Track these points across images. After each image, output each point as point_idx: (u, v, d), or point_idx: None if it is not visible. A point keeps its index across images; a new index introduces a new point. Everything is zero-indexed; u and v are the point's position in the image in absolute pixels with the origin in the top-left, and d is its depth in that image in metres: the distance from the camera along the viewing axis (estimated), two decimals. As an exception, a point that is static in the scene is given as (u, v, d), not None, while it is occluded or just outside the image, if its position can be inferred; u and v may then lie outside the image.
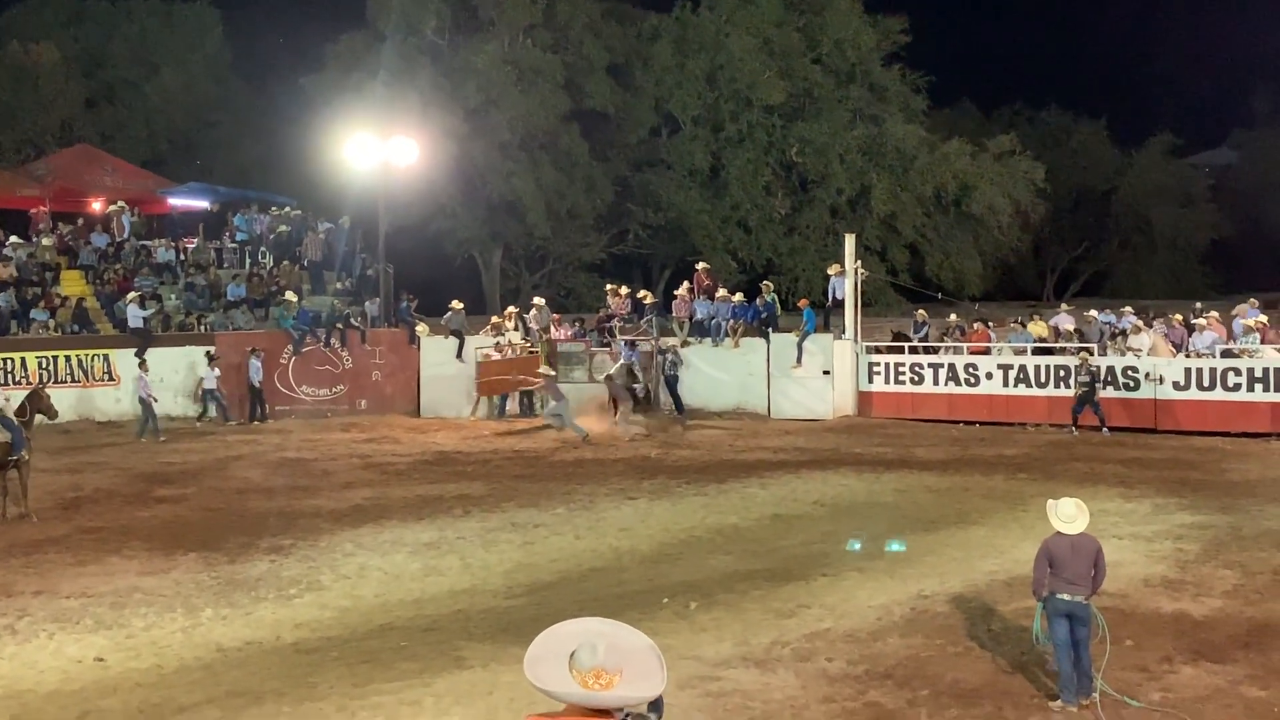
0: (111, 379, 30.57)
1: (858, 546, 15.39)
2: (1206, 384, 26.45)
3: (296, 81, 49.77)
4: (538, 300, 34.01)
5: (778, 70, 49.69)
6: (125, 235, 35.34)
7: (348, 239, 36.23)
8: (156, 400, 28.68)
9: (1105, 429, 26.61)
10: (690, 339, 31.31)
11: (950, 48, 74.78)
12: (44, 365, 29.82)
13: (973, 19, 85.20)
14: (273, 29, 56.23)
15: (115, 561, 16.30)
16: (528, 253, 51.58)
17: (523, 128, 46.71)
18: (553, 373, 28.47)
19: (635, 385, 29.38)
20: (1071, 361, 27.78)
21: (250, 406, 30.71)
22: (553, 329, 32.13)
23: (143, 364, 28.92)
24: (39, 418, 21.15)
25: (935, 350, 30.01)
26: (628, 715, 4.73)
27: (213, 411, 30.25)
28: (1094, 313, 30.20)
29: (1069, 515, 10.33)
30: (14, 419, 19.45)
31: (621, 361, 29.60)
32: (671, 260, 52.61)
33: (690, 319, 31.93)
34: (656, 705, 4.84)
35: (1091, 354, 27.54)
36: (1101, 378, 27.05)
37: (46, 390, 22.37)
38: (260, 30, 56.50)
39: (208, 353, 30.42)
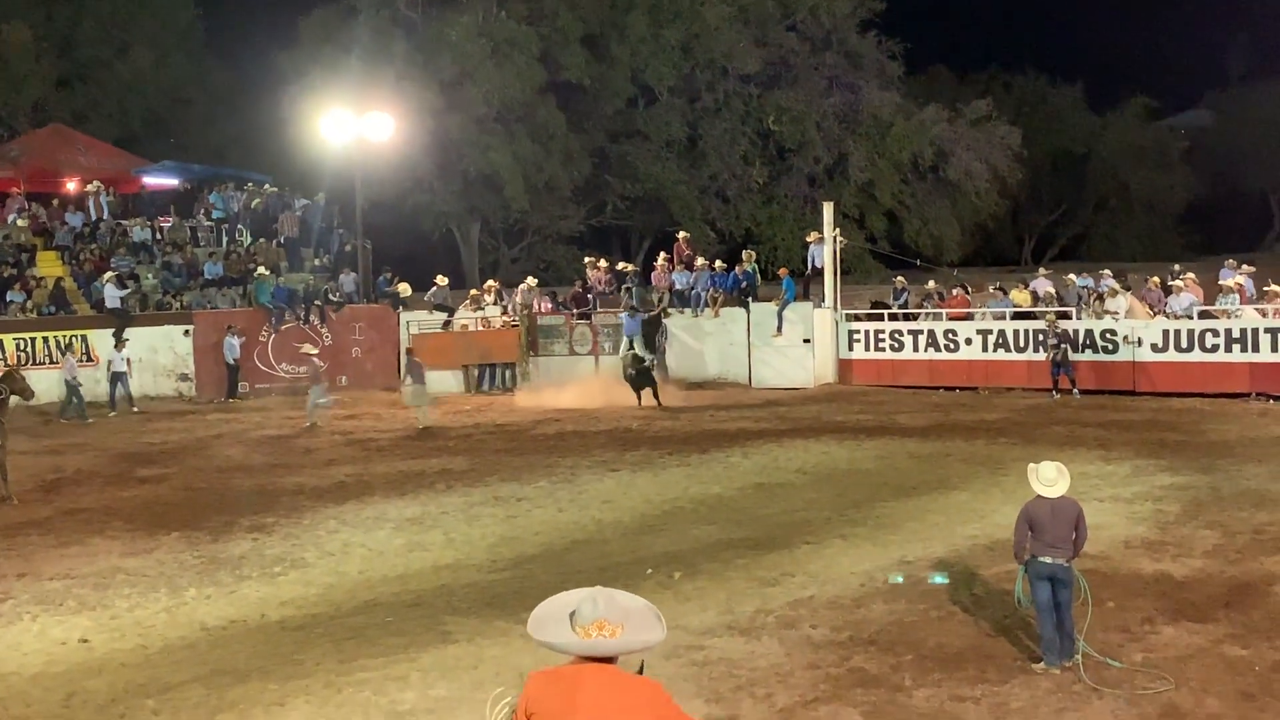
0: (90, 359, 30.42)
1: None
2: (1184, 345, 26.54)
3: (270, 57, 49.47)
4: (530, 281, 33.81)
5: (753, 38, 49.55)
6: (104, 215, 35.16)
7: (324, 215, 36.12)
8: (82, 385, 28.60)
9: (1076, 391, 26.79)
10: (670, 309, 31.31)
11: (924, 13, 74.28)
12: (21, 347, 29.69)
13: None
14: (244, 3, 55.93)
15: (98, 542, 16.28)
16: (506, 226, 51.44)
17: (498, 100, 46.46)
18: (314, 351, 28.34)
19: (647, 361, 28.22)
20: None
21: (228, 385, 30.62)
22: (534, 303, 32.10)
23: (106, 343, 29.16)
24: (14, 399, 20.97)
25: (915, 317, 30.07)
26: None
27: (118, 391, 29.29)
28: (1073, 276, 30.27)
29: (1049, 479, 10.36)
30: None
31: (625, 350, 29.04)
32: (650, 231, 52.53)
33: (670, 290, 31.94)
34: None
35: (1063, 318, 27.62)
36: (1072, 340, 27.14)
37: (20, 372, 22.13)
38: (233, 6, 56.18)
39: (115, 334, 29.96)
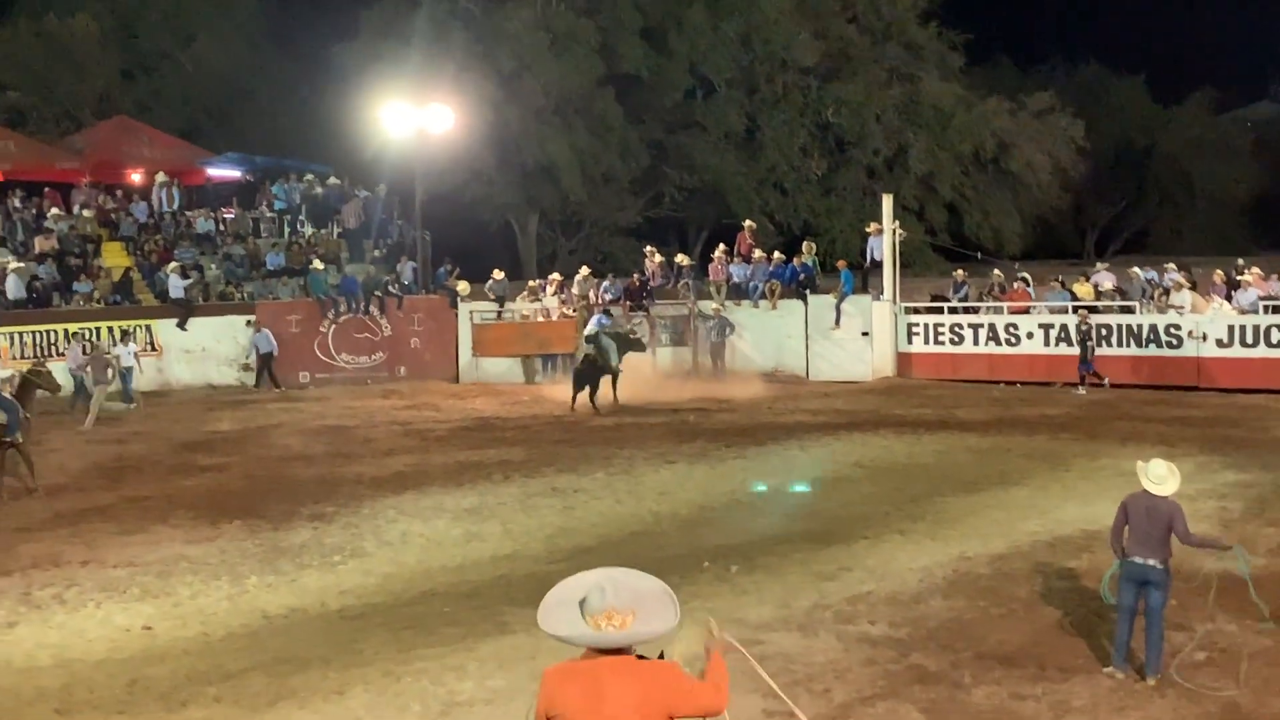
0: (154, 349, 30.74)
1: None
2: (1250, 341, 26.24)
3: (331, 49, 49.72)
4: (584, 270, 33.98)
5: (812, 30, 49.30)
6: (175, 206, 35.53)
7: (384, 206, 36.31)
8: (142, 371, 28.82)
9: (1081, 389, 26.84)
10: (727, 302, 31.24)
11: (987, 4, 73.82)
12: (86, 336, 30.01)
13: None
14: (306, -3, 56.18)
15: (161, 530, 16.45)
16: (563, 217, 51.47)
17: (557, 92, 46.52)
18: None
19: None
20: (1113, 319, 27.69)
21: (258, 374, 31.00)
22: (592, 294, 32.12)
23: (126, 336, 29.20)
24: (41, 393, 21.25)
25: (975, 310, 29.85)
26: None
27: (127, 386, 28.38)
28: (1136, 269, 29.95)
29: (1159, 476, 10.09)
30: (11, 398, 19.22)
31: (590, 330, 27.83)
32: (708, 223, 52.39)
33: (727, 282, 31.87)
34: None
35: (1091, 312, 27.65)
36: (1096, 336, 27.20)
37: (46, 366, 22.25)
38: (294, -2, 56.47)
39: (123, 330, 29.82)
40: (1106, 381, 26.93)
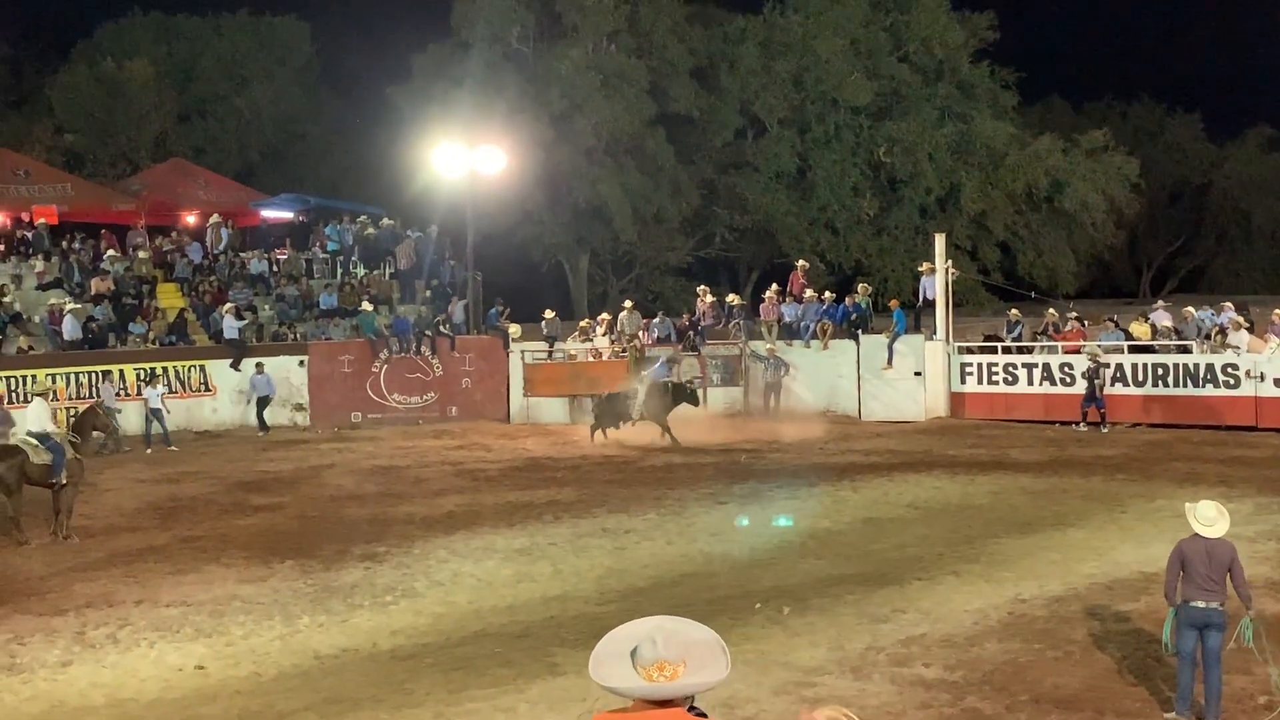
0: (209, 389, 31.01)
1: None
2: (1309, 381, 25.89)
3: (384, 92, 50.26)
4: (627, 304, 34.09)
5: (864, 70, 49.33)
6: (223, 247, 35.83)
7: (436, 247, 36.52)
8: (169, 412, 29.01)
9: (1082, 424, 27.26)
10: (779, 341, 31.16)
11: (1039, 43, 73.77)
12: (142, 377, 30.28)
13: (1061, 13, 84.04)
14: (360, 40, 56.94)
15: (214, 570, 16.51)
16: (614, 257, 51.64)
17: (608, 132, 46.76)
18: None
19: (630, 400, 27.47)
20: (1170, 359, 27.44)
21: (259, 416, 30.90)
22: (641, 334, 32.12)
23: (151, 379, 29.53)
24: (96, 434, 21.32)
25: (1029, 350, 29.61)
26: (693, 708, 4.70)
27: (156, 429, 28.76)
28: (1191, 309, 29.65)
29: (1209, 518, 9.97)
30: (58, 439, 19.19)
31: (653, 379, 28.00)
32: (759, 263, 52.43)
33: (779, 321, 31.78)
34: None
35: (1100, 351, 28.00)
36: (1105, 374, 27.46)
37: (103, 406, 22.32)
38: (348, 42, 57.23)
39: (151, 370, 30.01)
40: (1106, 426, 27.05)
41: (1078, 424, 27.30)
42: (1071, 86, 64.54)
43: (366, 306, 32.70)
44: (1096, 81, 71.26)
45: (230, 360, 31.21)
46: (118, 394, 29.20)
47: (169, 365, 30.60)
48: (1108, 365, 27.73)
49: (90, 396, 28.18)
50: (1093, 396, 27.21)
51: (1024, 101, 54.70)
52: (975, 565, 15.28)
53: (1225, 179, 59.99)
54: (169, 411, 29.05)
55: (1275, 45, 72.26)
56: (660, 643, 4.68)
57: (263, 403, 30.95)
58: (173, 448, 27.91)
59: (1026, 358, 29.29)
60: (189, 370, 30.78)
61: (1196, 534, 9.97)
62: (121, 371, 29.81)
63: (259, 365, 30.95)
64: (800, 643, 12.29)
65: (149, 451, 27.60)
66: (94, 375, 29.49)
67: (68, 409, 26.74)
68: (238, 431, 30.44)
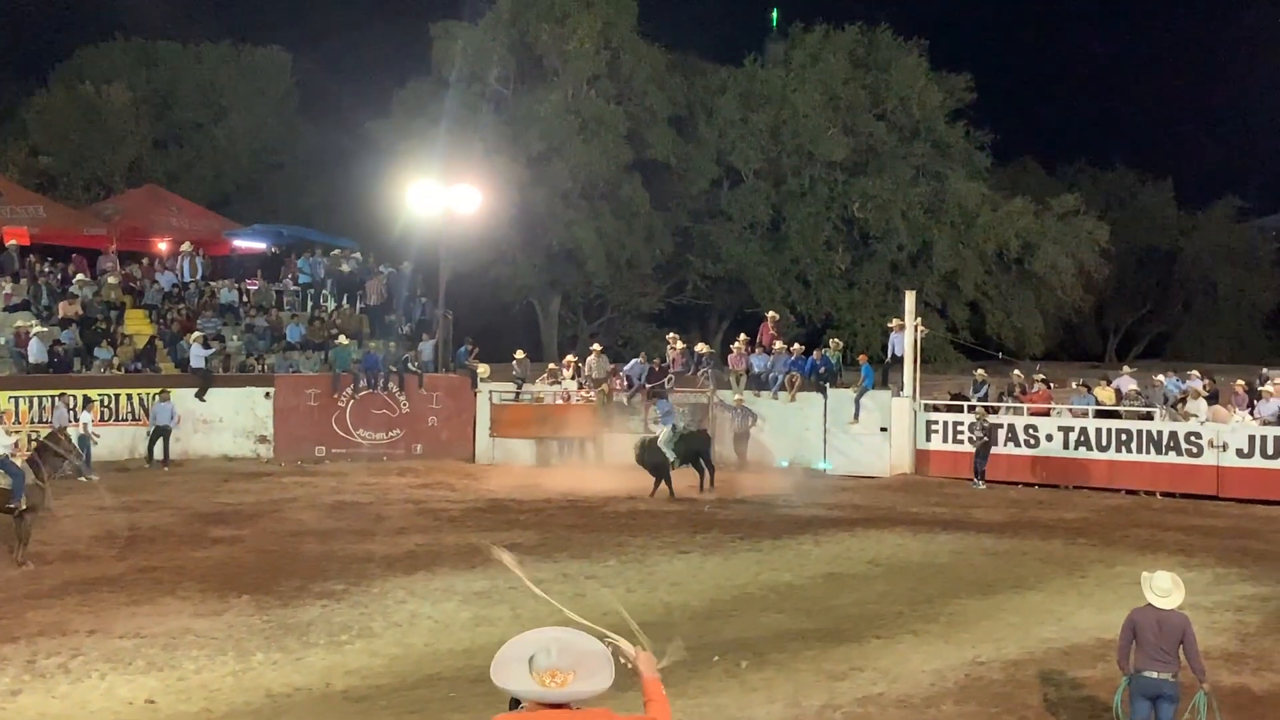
0: (172, 418, 30.78)
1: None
2: (1271, 452, 26.05)
3: (362, 126, 50.34)
4: (595, 348, 34.10)
5: (842, 126, 49.69)
6: (198, 276, 35.65)
7: (408, 284, 36.48)
8: (97, 440, 28.38)
9: (980, 483, 28.15)
10: (747, 392, 31.19)
11: (1015, 105, 74.56)
12: (105, 403, 30.07)
13: (1038, 77, 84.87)
14: (340, 74, 57.02)
15: (169, 602, 16.34)
16: (586, 301, 51.73)
17: (584, 176, 46.94)
18: None
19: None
20: (1134, 425, 27.63)
21: (156, 447, 29.92)
22: (611, 379, 32.11)
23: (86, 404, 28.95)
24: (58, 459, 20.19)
25: (995, 410, 29.73)
26: None
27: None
28: (1161, 377, 29.85)
29: (1164, 589, 9.96)
30: (16, 463, 18.85)
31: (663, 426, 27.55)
32: (730, 312, 52.59)
33: (747, 372, 31.83)
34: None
35: (989, 413, 29.14)
36: (994, 436, 28.67)
37: (65, 432, 21.54)
38: (327, 75, 57.31)
39: (78, 396, 29.23)
40: (980, 484, 28.18)
41: (974, 481, 28.37)
42: (1045, 150, 65.28)
43: (343, 340, 32.60)
44: (1070, 145, 72.20)
45: (195, 390, 31.00)
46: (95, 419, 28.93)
47: (133, 392, 30.38)
48: (1000, 425, 28.89)
49: (49, 422, 27.89)
50: (983, 454, 28.38)
51: (997, 162, 55.29)
52: (934, 625, 15.28)
53: (1194, 247, 60.58)
54: (97, 440, 28.52)
55: (1247, 118, 73.10)
56: (555, 653, 5.39)
57: (160, 432, 29.93)
58: (92, 478, 26.51)
59: (992, 418, 29.36)
60: (153, 398, 30.49)
61: (1150, 604, 9.98)
62: (85, 397, 29.47)
63: (163, 393, 30.18)
64: (757, 698, 12.25)
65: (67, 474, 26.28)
66: (71, 399, 28.96)
67: (29, 434, 26.38)
68: (198, 462, 30.20)
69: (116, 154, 48.86)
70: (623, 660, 5.87)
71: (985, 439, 28.33)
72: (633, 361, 32.78)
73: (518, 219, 45.81)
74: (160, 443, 29.94)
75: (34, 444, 20.53)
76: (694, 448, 26.98)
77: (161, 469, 29.25)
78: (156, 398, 30.22)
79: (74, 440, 23.63)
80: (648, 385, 31.56)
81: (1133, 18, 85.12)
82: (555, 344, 48.51)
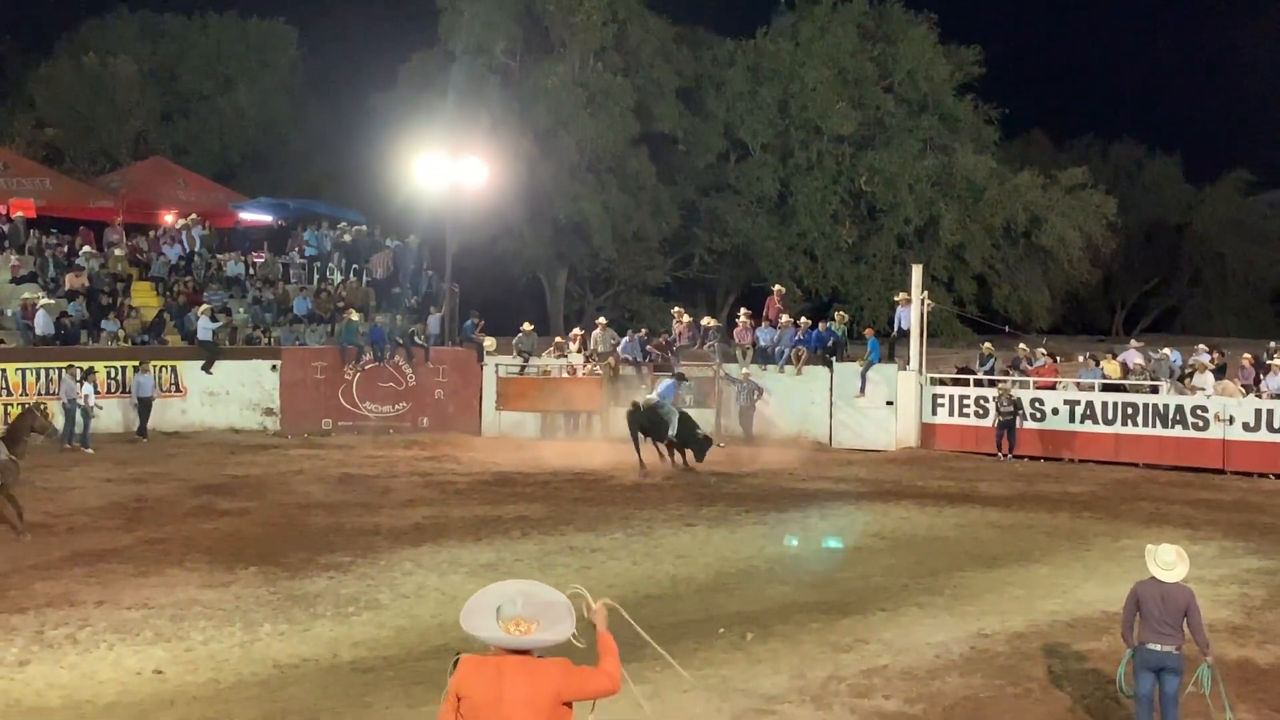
0: (179, 390, 30.83)
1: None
2: (1277, 425, 26.04)
3: (368, 99, 50.22)
4: (600, 321, 34.09)
5: (850, 99, 49.49)
6: (198, 248, 35.63)
7: (415, 257, 36.46)
8: (91, 408, 28.27)
9: (1009, 456, 28.16)
10: (753, 365, 31.20)
11: (1023, 79, 74.08)
12: (112, 375, 30.09)
13: (1047, 51, 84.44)
14: (346, 46, 56.77)
15: (177, 573, 16.41)
16: (593, 274, 51.62)
17: (591, 150, 46.78)
18: None
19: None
20: (1140, 399, 27.60)
21: (140, 420, 29.90)
22: (618, 352, 32.11)
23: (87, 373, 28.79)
24: (37, 438, 20.11)
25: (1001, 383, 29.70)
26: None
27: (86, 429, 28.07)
28: (1167, 350, 29.81)
29: (1168, 562, 9.95)
30: None
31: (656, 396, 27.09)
32: (736, 285, 52.45)
33: (753, 345, 31.83)
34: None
35: (1011, 386, 29.00)
36: (1022, 409, 28.45)
37: (42, 407, 21.06)
38: (334, 47, 57.06)
39: (82, 368, 28.90)
40: (1007, 456, 28.25)
41: (999, 455, 28.36)
42: (1053, 123, 64.91)
43: (353, 315, 32.56)
44: (1078, 118, 71.79)
45: (202, 363, 31.04)
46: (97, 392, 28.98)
47: (77, 365, 29.81)
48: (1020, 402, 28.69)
49: (56, 394, 27.99)
50: (1007, 427, 28.36)
51: (1005, 136, 54.93)
52: (939, 598, 15.31)
53: (1202, 221, 60.30)
54: (99, 411, 28.61)
55: (1256, 91, 72.75)
56: (520, 604, 5.96)
57: (144, 404, 29.81)
58: (90, 450, 27.07)
59: (998, 391, 29.34)
60: (160, 371, 30.53)
61: (1154, 577, 9.99)
62: (92, 368, 29.48)
63: (143, 365, 29.94)
64: (762, 669, 12.28)
65: (66, 448, 26.46)
66: (78, 370, 28.75)
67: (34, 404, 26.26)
68: (205, 434, 30.26)
69: (122, 126, 48.68)
70: (584, 611, 6.42)
71: (1013, 410, 28.22)
72: (624, 340, 32.68)
73: (524, 192, 45.69)
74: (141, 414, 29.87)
75: (9, 420, 20.24)
76: (682, 431, 26.71)
77: (141, 441, 29.14)
78: (135, 370, 30.03)
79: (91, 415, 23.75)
80: (656, 363, 31.43)
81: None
82: (561, 317, 48.49)
